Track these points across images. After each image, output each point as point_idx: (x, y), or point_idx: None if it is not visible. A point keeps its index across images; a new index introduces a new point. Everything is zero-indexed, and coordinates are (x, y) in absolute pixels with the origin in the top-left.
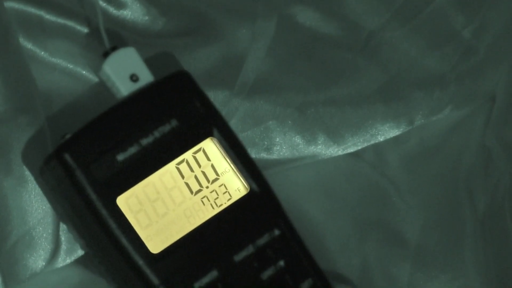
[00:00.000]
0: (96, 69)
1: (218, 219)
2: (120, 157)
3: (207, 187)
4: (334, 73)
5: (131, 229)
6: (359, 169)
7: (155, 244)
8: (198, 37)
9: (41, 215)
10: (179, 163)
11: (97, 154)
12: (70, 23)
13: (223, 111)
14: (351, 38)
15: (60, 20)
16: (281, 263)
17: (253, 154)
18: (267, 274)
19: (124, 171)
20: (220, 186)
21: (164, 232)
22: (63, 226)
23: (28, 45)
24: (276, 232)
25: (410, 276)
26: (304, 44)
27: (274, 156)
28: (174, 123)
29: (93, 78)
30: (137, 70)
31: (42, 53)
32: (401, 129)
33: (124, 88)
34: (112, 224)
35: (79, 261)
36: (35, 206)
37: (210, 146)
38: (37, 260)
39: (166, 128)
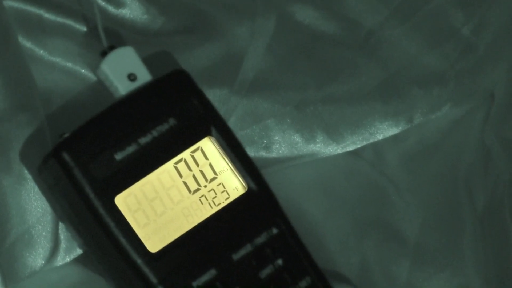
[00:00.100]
0: (95, 68)
1: (216, 218)
2: (118, 156)
3: (205, 186)
4: (333, 71)
5: (129, 228)
6: (358, 167)
7: (153, 243)
8: (197, 36)
9: (40, 213)
10: (177, 162)
11: (95, 153)
12: (69, 22)
13: (222, 109)
14: (350, 36)
15: (60, 19)
16: (280, 261)
17: (252, 152)
18: (265, 272)
19: (122, 170)
20: (218, 185)
21: (162, 231)
22: (62, 225)
23: (27, 44)
24: (274, 230)
25: (409, 274)
26: (303, 42)
27: (273, 154)
28: (172, 122)
29: (92, 77)
30: (135, 69)
31: (42, 51)
32: (400, 127)
33: (122, 87)
34: (110, 223)
35: (78, 260)
36: (34, 204)
37: (208, 145)
38: (37, 258)
39: (164, 127)
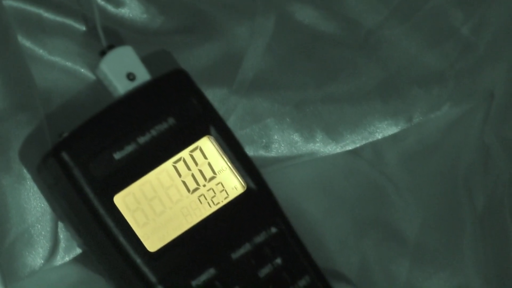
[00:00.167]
0: (94, 68)
1: (215, 217)
2: (117, 155)
3: (204, 186)
4: (332, 71)
5: (128, 228)
6: (357, 166)
7: (153, 242)
8: (197, 35)
9: (39, 213)
10: (176, 162)
11: (94, 152)
12: (69, 22)
13: (222, 109)
14: (350, 36)
15: (59, 19)
16: (279, 260)
17: (252, 151)
18: (264, 271)
19: (121, 169)
20: (217, 184)
21: (161, 230)
22: (61, 224)
23: (27, 43)
24: (273, 229)
25: (409, 273)
26: (303, 41)
27: (273, 153)
28: (171, 121)
29: (91, 76)
30: (134, 68)
31: (41, 51)
32: (399, 127)
33: (121, 87)
34: (110, 223)
35: (77, 259)
36: (34, 204)
37: (207, 145)
38: (36, 258)
39: (163, 126)
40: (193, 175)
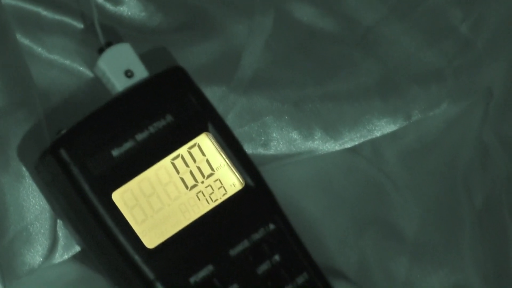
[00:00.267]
0: (92, 65)
1: (213, 214)
2: (115, 152)
3: (202, 182)
4: (331, 69)
5: (126, 224)
6: (356, 164)
7: (151, 239)
8: (195, 33)
9: (38, 210)
10: (174, 158)
11: (92, 149)
12: (67, 20)
13: (220, 107)
14: (349, 34)
15: (57, 17)
16: (277, 257)
17: (250, 149)
18: (262, 268)
19: (120, 166)
20: (215, 181)
21: (160, 227)
22: (60, 222)
23: (25, 41)
24: (271, 226)
25: (407, 271)
26: (301, 39)
27: (271, 151)
28: (169, 118)
29: (90, 74)
30: (132, 65)
31: (40, 49)
32: (398, 125)
33: (119, 84)
34: (108, 220)
35: (76, 257)
36: (33, 202)
37: (205, 141)
38: (35, 256)
39: (161, 123)
40: (191, 172)
